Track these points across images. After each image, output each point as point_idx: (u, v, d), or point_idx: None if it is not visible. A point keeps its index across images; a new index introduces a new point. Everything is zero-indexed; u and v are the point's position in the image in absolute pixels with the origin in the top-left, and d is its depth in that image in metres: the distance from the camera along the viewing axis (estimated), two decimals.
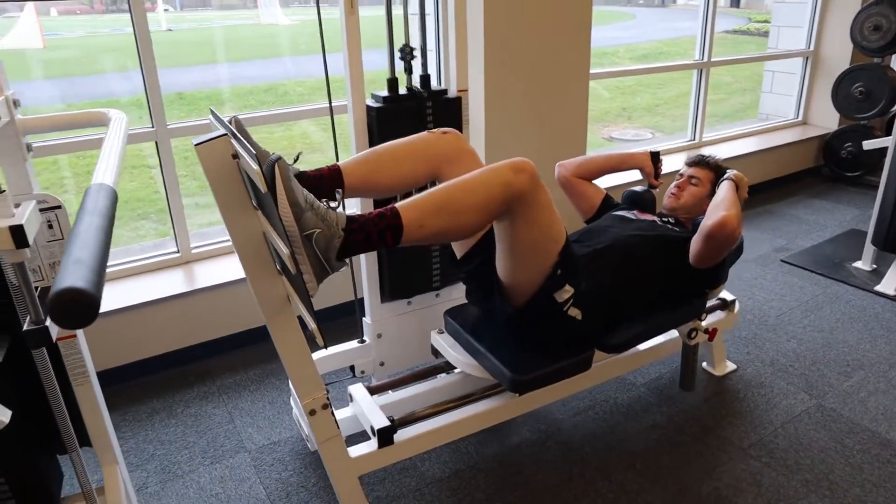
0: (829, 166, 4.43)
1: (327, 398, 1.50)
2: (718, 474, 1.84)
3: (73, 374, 1.44)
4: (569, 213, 2.16)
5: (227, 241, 2.58)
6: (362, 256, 2.00)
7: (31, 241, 1.05)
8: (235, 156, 1.22)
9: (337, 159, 1.95)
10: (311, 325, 1.13)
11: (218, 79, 9.39)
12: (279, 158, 1.12)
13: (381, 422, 1.66)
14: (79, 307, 0.55)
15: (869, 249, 3.04)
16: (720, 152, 3.90)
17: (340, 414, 1.89)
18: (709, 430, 2.02)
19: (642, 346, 2.02)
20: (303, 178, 1.48)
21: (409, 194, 1.43)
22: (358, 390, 1.83)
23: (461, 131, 2.04)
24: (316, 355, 2.05)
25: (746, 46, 11.49)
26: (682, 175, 2.08)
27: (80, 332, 1.44)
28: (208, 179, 1.21)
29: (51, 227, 1.31)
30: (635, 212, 2.05)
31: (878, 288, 2.87)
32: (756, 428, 2.03)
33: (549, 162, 2.28)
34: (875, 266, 3.05)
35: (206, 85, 8.81)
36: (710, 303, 2.27)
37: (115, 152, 0.99)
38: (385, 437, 1.64)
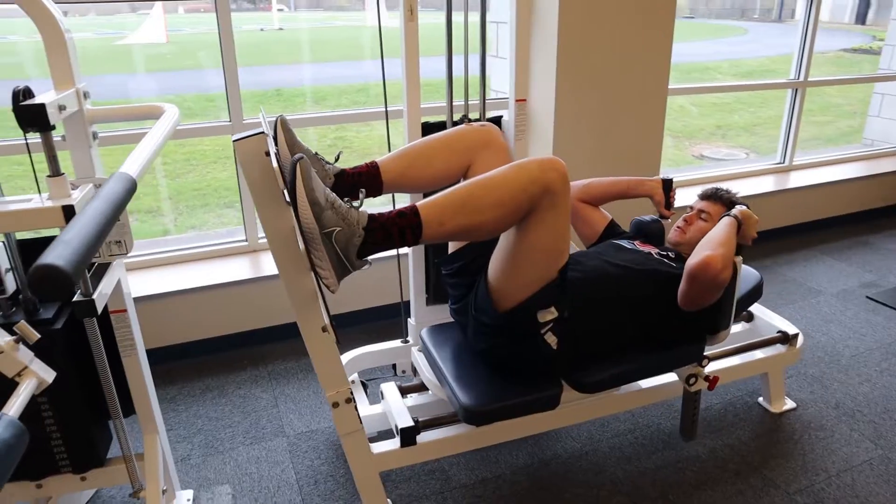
0: None
1: (350, 393, 1.54)
2: None
3: (122, 345, 1.56)
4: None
5: None
6: (410, 260, 2.04)
7: None
8: (269, 153, 1.28)
9: None
10: (325, 320, 1.17)
11: (318, 77, 9.79)
12: (301, 158, 1.16)
13: (406, 422, 1.68)
14: (52, 282, 0.61)
15: None
16: (812, 178, 3.70)
17: (373, 410, 1.93)
18: (753, 470, 1.91)
19: (631, 387, 1.89)
20: (343, 176, 1.53)
21: (447, 188, 1.43)
22: (389, 389, 1.87)
23: (518, 143, 2.04)
24: (358, 351, 2.12)
25: (864, 66, 10.72)
26: (692, 208, 1.93)
27: (130, 308, 1.56)
28: (244, 174, 1.28)
29: None
30: (637, 242, 1.91)
31: None
32: (807, 473, 1.90)
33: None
34: None
35: (305, 82, 9.21)
36: (770, 334, 2.15)
37: (150, 145, 1.07)
38: (408, 436, 1.66)
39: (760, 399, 2.22)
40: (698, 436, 2.04)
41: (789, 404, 2.20)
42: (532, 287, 1.49)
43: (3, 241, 1.45)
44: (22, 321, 1.17)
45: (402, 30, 1.81)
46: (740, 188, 2.03)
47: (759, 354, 2.09)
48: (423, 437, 1.69)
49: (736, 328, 2.23)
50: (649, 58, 2.81)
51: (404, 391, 1.93)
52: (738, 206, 1.78)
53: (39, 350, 1.31)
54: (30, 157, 1.30)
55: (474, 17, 1.97)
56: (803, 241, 3.62)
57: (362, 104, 7.99)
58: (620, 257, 1.76)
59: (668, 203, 1.92)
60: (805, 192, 3.65)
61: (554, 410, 1.66)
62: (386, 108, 1.94)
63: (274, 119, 1.45)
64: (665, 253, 1.83)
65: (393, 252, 2.29)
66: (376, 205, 2.58)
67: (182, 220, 4.77)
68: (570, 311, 1.55)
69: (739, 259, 1.69)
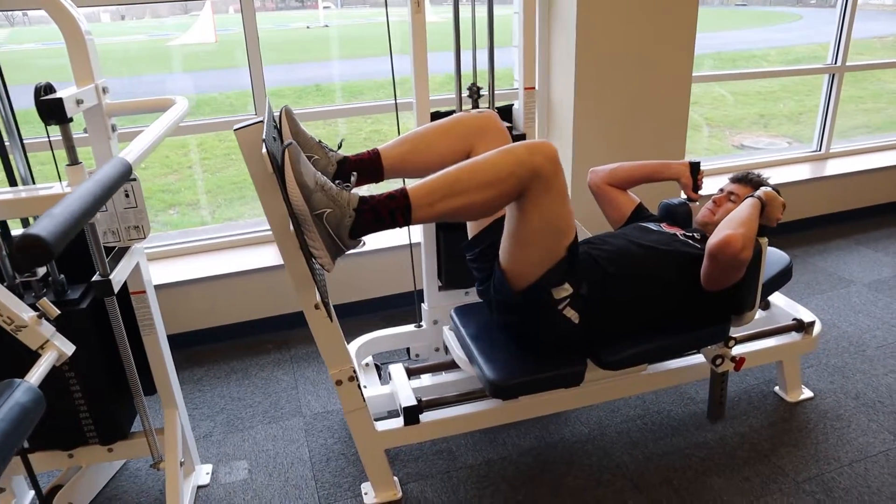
0: None
1: (354, 371, 1.61)
2: None
3: (142, 324, 1.66)
4: (600, 222, 2.12)
5: None
6: (423, 248, 2.09)
7: None
8: (274, 139, 1.35)
9: None
10: (316, 298, 1.24)
11: (357, 72, 9.93)
12: (290, 144, 1.23)
13: (409, 401, 1.74)
14: (33, 250, 0.68)
15: None
16: (849, 166, 3.59)
17: (384, 391, 2.00)
18: (763, 457, 1.90)
19: (655, 368, 1.91)
20: (346, 162, 1.59)
21: None
22: (396, 370, 1.93)
23: (527, 130, 2.06)
24: (373, 335, 2.19)
25: None
26: (721, 190, 1.93)
27: (150, 290, 1.66)
28: (245, 161, 1.35)
29: (127, 196, 1.52)
30: (663, 224, 1.93)
31: None
32: (818, 462, 1.88)
33: None
34: None
35: (345, 78, 9.36)
36: (785, 322, 2.13)
37: (152, 133, 1.15)
38: (411, 415, 1.72)
39: (777, 388, 2.20)
40: (726, 418, 2.05)
41: (806, 394, 2.17)
42: (542, 266, 1.53)
43: None
44: (44, 298, 1.27)
45: (410, 22, 1.86)
46: (775, 176, 2.02)
47: (772, 342, 2.06)
48: (427, 416, 1.75)
49: None
50: (672, 44, 2.78)
51: (414, 372, 1.99)
52: (763, 188, 1.78)
53: (66, 329, 1.42)
54: (51, 148, 1.41)
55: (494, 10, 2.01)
56: (838, 231, 3.52)
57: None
58: (646, 238, 1.79)
59: (696, 186, 1.95)
60: (841, 180, 3.55)
61: (578, 387, 1.70)
62: (396, 100, 2.00)
63: (279, 109, 1.53)
64: (691, 234, 1.86)
65: (405, 241, 2.36)
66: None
67: (220, 213, 4.96)
68: (589, 286, 1.60)
69: (764, 240, 1.70)
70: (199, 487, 1.86)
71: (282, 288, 2.61)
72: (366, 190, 1.46)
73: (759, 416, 2.08)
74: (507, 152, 1.39)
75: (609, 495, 1.78)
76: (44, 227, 0.71)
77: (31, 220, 1.56)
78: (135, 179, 1.50)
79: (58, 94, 1.28)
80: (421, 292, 2.20)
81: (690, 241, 1.81)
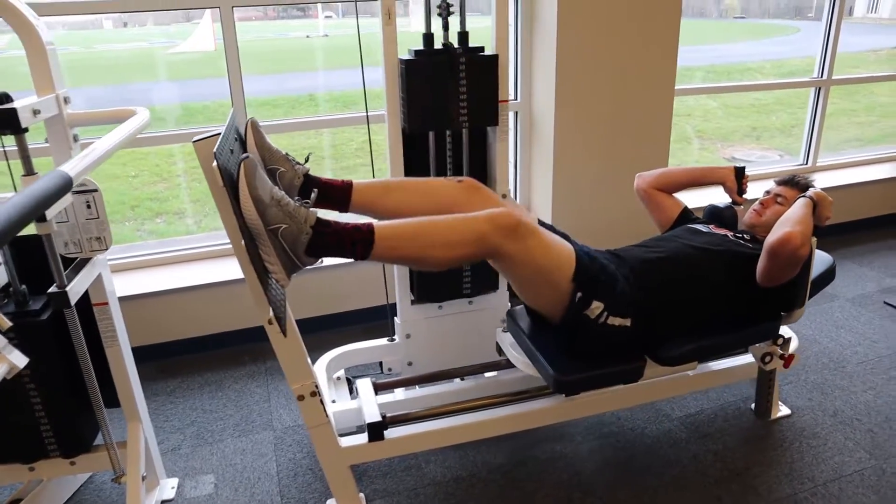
0: None
1: (315, 386, 1.58)
2: None
3: (105, 336, 1.64)
4: (645, 225, 2.16)
5: None
6: None
7: (49, 217, 1.23)
8: (231, 151, 1.33)
9: (372, 166, 2.05)
10: (269, 313, 1.22)
11: (354, 82, 9.92)
12: (247, 157, 1.22)
13: (374, 417, 1.72)
14: None
15: None
16: (835, 179, 3.58)
17: (351, 405, 1.97)
18: (735, 476, 1.87)
19: (704, 368, 1.98)
20: (311, 180, 1.58)
21: None
22: (363, 385, 1.91)
23: (496, 92, 1.96)
24: (345, 348, 2.17)
25: None
26: (768, 192, 1.99)
27: (113, 301, 1.64)
28: (203, 173, 1.34)
29: (89, 206, 1.51)
30: (712, 226, 1.99)
31: None
32: (792, 482, 1.85)
33: (625, 177, 2.31)
34: None
35: (339, 88, 9.36)
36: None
37: (102, 146, 1.14)
38: (375, 432, 1.70)
39: (753, 405, 2.17)
40: (771, 416, 2.12)
41: (783, 411, 2.15)
42: (557, 304, 1.62)
43: None
44: None
45: (381, 34, 1.85)
46: (757, 190, 2.09)
47: (747, 358, 2.04)
48: (393, 432, 1.73)
49: None
50: (654, 57, 2.78)
51: (383, 387, 1.97)
52: (812, 188, 1.86)
53: (26, 340, 1.40)
54: (6, 157, 1.39)
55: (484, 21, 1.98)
56: (823, 245, 3.47)
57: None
58: (698, 239, 1.86)
59: (741, 190, 2.02)
60: (828, 193, 3.52)
61: (636, 383, 1.74)
62: (367, 112, 1.99)
63: (245, 121, 1.51)
64: (740, 235, 1.92)
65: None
66: None
67: (206, 222, 4.94)
68: (644, 290, 1.65)
69: (813, 240, 1.74)
70: (164, 502, 1.83)
71: None
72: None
73: (734, 434, 2.05)
74: (472, 222, 1.43)
75: None
76: None
77: None
78: (96, 190, 1.49)
79: (12, 105, 1.27)
80: (394, 306, 2.18)
81: (742, 242, 1.87)
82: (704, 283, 1.76)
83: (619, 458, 1.96)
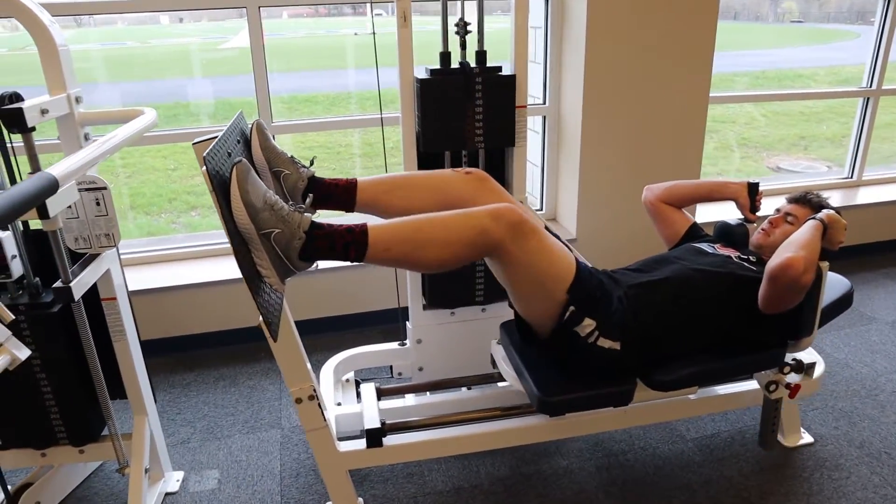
0: None
1: (313, 389, 1.58)
2: None
3: (113, 330, 1.67)
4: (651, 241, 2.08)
5: None
6: None
7: (51, 214, 1.25)
8: (229, 154, 1.34)
9: (386, 167, 2.04)
10: (259, 318, 1.22)
11: (391, 81, 9.96)
12: (239, 161, 1.21)
13: (373, 423, 1.71)
14: None
15: None
16: (881, 195, 3.41)
17: (357, 408, 1.97)
18: None
19: (704, 393, 1.89)
20: (319, 183, 1.57)
21: None
22: (367, 389, 1.90)
23: (513, 113, 1.94)
24: (355, 350, 2.17)
25: None
26: (778, 210, 1.87)
27: (121, 296, 1.67)
28: (203, 175, 1.34)
29: (98, 204, 1.53)
30: (717, 245, 1.89)
31: None
32: None
33: None
34: None
35: (383, 85, 9.40)
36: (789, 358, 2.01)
37: (96, 147, 1.15)
38: (373, 438, 1.68)
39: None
40: (776, 446, 2.02)
41: (806, 439, 2.05)
42: (549, 316, 1.55)
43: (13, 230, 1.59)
44: None
45: (397, 36, 1.83)
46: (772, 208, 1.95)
47: (753, 384, 1.95)
48: (393, 439, 1.71)
49: None
50: (687, 64, 2.69)
51: (387, 392, 1.95)
52: (825, 210, 1.72)
53: (37, 331, 1.43)
54: (14, 155, 1.43)
55: (502, 23, 1.95)
56: (865, 263, 3.34)
57: None
58: (699, 261, 1.76)
59: (754, 207, 1.92)
60: (872, 209, 3.37)
61: (625, 407, 1.68)
62: (381, 114, 1.98)
63: (251, 122, 1.52)
64: (746, 257, 1.82)
65: None
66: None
67: None
68: (638, 313, 1.58)
69: (825, 265, 1.64)
70: (168, 494, 1.86)
71: None
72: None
73: (750, 459, 1.97)
74: (471, 218, 1.38)
75: None
76: None
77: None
78: (105, 188, 1.51)
79: (18, 105, 1.30)
80: (406, 310, 2.16)
81: (745, 264, 1.76)
82: (703, 307, 1.66)
83: (627, 478, 1.90)
